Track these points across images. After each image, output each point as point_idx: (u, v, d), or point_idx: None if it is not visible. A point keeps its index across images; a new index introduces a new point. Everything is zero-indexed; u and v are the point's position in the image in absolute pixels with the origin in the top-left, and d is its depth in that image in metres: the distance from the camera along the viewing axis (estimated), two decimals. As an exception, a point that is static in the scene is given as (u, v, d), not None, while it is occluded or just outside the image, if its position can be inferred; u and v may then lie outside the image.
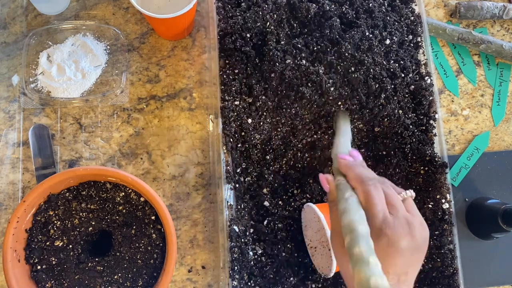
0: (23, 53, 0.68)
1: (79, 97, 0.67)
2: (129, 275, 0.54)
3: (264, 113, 0.65)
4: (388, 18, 0.70)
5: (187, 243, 0.66)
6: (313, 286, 0.64)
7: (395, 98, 0.67)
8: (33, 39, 0.68)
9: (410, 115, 0.68)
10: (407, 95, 0.68)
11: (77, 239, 0.55)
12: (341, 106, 0.66)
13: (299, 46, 0.66)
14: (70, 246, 0.54)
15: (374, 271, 0.34)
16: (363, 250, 0.36)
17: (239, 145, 0.64)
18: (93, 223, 0.55)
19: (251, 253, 0.63)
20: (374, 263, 0.35)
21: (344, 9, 0.68)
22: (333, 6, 0.68)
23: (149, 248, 0.55)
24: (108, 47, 0.70)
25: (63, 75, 0.67)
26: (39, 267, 0.53)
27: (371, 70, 0.65)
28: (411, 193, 0.43)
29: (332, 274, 0.58)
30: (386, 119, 0.66)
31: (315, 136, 0.67)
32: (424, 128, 0.69)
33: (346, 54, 0.64)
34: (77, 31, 0.70)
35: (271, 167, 0.66)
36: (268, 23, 0.66)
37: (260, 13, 0.65)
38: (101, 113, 0.69)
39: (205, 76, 0.71)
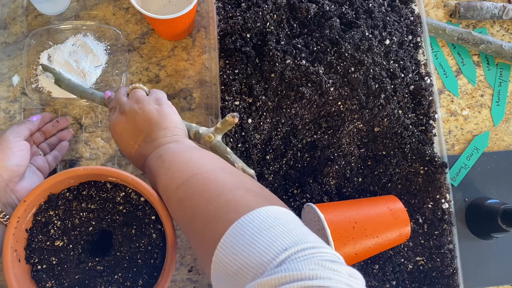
0: (24, 53, 0.68)
1: (79, 97, 0.67)
2: (129, 275, 0.54)
3: (264, 113, 0.65)
4: (387, 18, 0.70)
5: (187, 243, 0.66)
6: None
7: (395, 98, 0.67)
8: (33, 39, 0.68)
9: (410, 115, 0.68)
10: (406, 95, 0.68)
11: (77, 239, 0.55)
12: (341, 106, 0.66)
13: (299, 46, 0.66)
14: (70, 246, 0.54)
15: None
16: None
17: (239, 145, 0.64)
18: (93, 223, 0.55)
19: (251, 253, 0.63)
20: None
21: (344, 9, 0.68)
22: (333, 6, 0.68)
23: (149, 248, 0.55)
24: (109, 47, 0.70)
25: (63, 75, 0.67)
26: (39, 267, 0.53)
27: (371, 70, 0.65)
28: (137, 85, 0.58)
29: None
30: (386, 119, 0.67)
31: (315, 136, 0.67)
32: (423, 128, 0.69)
33: (346, 54, 0.65)
34: (78, 31, 0.70)
35: (271, 167, 0.66)
36: (268, 23, 0.66)
37: (260, 13, 0.66)
38: (101, 113, 0.69)
39: (205, 76, 0.71)
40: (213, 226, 0.39)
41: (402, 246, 0.65)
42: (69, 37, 0.69)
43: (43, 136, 0.64)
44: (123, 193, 0.56)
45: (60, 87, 0.65)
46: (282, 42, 0.66)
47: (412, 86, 0.68)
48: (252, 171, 0.53)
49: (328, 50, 0.66)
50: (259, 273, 0.32)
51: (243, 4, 0.68)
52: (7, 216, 0.53)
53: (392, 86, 0.67)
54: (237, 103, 0.65)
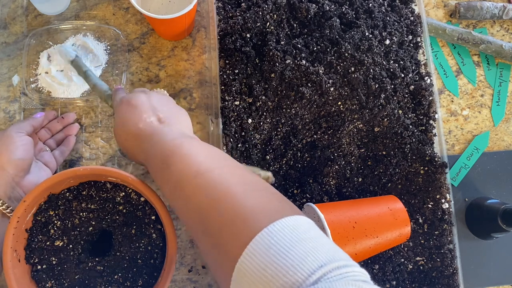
0: (24, 53, 0.68)
1: (79, 97, 0.67)
2: (129, 275, 0.54)
3: (264, 113, 0.65)
4: (388, 18, 0.70)
5: (187, 243, 0.66)
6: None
7: (395, 98, 0.67)
8: (33, 39, 0.68)
9: (410, 115, 0.68)
10: (407, 95, 0.68)
11: (77, 239, 0.55)
12: (341, 106, 0.66)
13: (299, 46, 0.66)
14: (70, 246, 0.54)
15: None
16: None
17: (239, 145, 0.64)
18: (93, 223, 0.55)
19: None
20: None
21: (344, 9, 0.68)
22: (333, 6, 0.68)
23: (149, 248, 0.55)
24: (109, 47, 0.70)
25: (63, 75, 0.67)
26: (39, 267, 0.53)
27: (371, 70, 0.65)
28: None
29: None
30: (386, 119, 0.67)
31: (315, 136, 0.67)
32: (424, 128, 0.69)
33: (346, 54, 0.65)
34: (78, 31, 0.70)
35: (271, 167, 0.66)
36: (268, 23, 0.66)
37: (260, 13, 0.66)
38: (101, 113, 0.69)
39: (205, 76, 0.71)
40: (238, 225, 0.36)
41: (402, 246, 0.65)
42: (69, 37, 0.69)
43: (49, 133, 0.65)
44: (123, 193, 0.56)
45: (71, 63, 0.65)
46: (282, 42, 0.66)
47: (412, 86, 0.68)
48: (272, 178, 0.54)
49: (328, 50, 0.66)
50: None
51: (243, 4, 0.68)
52: (12, 209, 0.54)
53: (392, 86, 0.67)
54: (237, 103, 0.65)
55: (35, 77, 0.68)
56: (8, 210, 0.53)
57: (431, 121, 0.69)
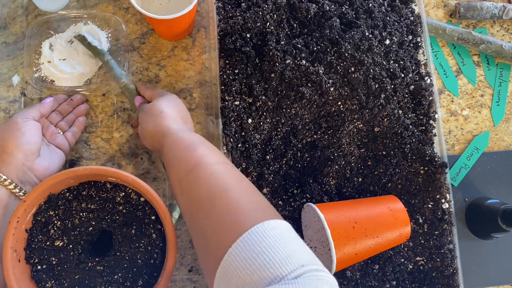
0: (25, 43, 0.67)
1: (83, 85, 0.67)
2: (129, 275, 0.54)
3: (264, 113, 0.65)
4: (388, 18, 0.70)
5: (187, 243, 0.66)
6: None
7: (395, 98, 0.67)
8: (34, 29, 0.68)
9: (410, 115, 0.68)
10: (407, 95, 0.68)
11: (77, 239, 0.55)
12: (341, 106, 0.66)
13: (299, 46, 0.66)
14: (70, 246, 0.54)
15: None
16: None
17: (239, 145, 0.64)
18: (93, 223, 0.55)
19: (251, 253, 0.63)
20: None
21: (344, 9, 0.68)
22: (333, 6, 0.68)
23: (149, 248, 0.55)
24: (110, 35, 0.70)
25: (66, 63, 0.67)
26: (39, 267, 0.53)
27: (371, 70, 0.65)
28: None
29: (332, 274, 0.58)
30: (386, 119, 0.67)
31: (315, 136, 0.67)
32: (424, 128, 0.69)
33: (346, 54, 0.65)
34: (78, 20, 0.70)
35: (271, 167, 0.66)
36: (268, 23, 0.66)
37: (260, 13, 0.66)
38: (102, 113, 0.69)
39: (205, 76, 0.71)
40: (239, 216, 0.42)
41: (402, 246, 0.65)
42: (70, 26, 0.69)
43: (60, 116, 0.66)
44: (123, 193, 0.56)
45: (91, 48, 0.67)
46: (282, 42, 0.66)
47: (412, 86, 0.68)
48: None
49: (328, 50, 0.66)
50: (276, 280, 0.36)
51: (243, 4, 0.68)
52: (24, 192, 0.55)
53: (392, 86, 0.67)
54: (237, 103, 0.65)
55: (37, 66, 0.68)
56: (20, 193, 0.55)
57: (431, 121, 0.69)
